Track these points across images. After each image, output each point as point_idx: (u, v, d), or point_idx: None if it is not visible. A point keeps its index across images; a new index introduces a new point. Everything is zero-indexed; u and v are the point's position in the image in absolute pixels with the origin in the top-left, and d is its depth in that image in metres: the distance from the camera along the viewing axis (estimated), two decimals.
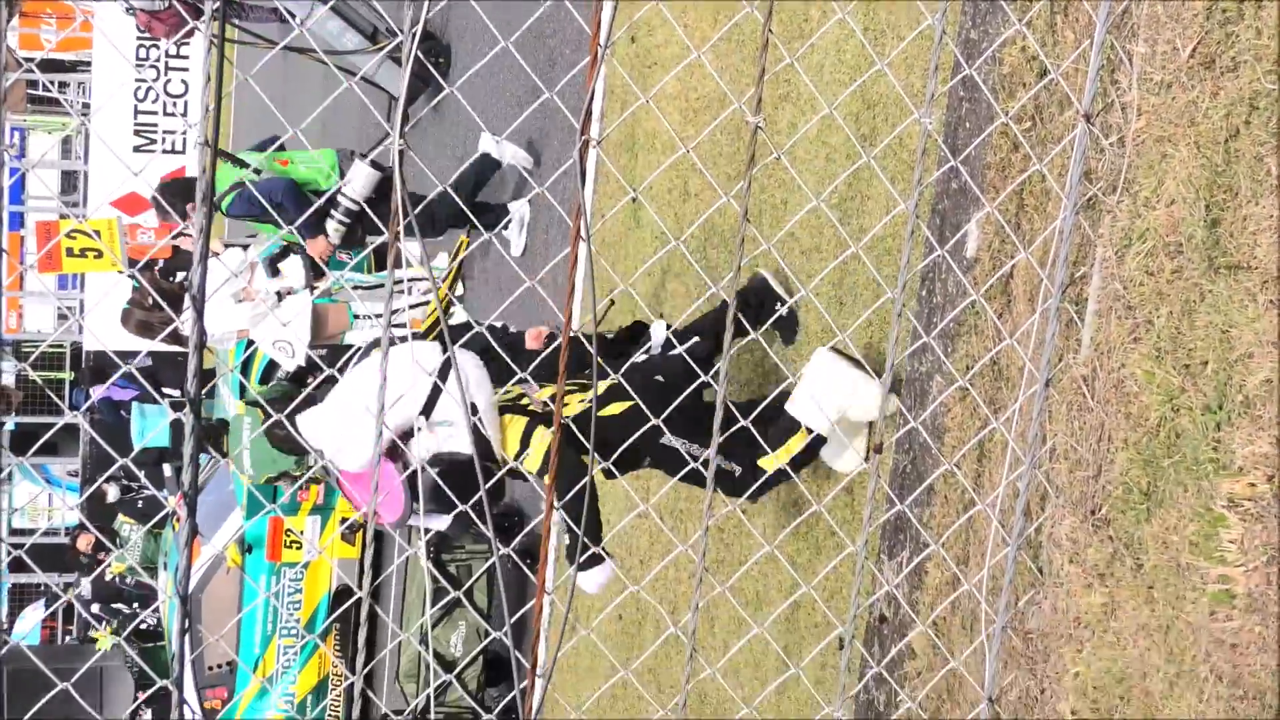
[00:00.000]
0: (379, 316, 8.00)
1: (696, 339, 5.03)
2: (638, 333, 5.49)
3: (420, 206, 8.08)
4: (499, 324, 6.77)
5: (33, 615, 18.78)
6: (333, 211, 8.03)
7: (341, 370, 4.44)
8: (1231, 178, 3.15)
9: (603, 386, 4.68)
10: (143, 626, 14.12)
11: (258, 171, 7.94)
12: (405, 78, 2.64)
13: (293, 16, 10.31)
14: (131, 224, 13.75)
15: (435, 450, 4.35)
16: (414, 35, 2.60)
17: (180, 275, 9.83)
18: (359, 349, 4.84)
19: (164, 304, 8.41)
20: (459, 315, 9.38)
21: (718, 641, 5.84)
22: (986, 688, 3.54)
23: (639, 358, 4.96)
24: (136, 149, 15.81)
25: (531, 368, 3.37)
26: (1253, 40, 3.11)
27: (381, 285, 9.02)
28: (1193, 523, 3.21)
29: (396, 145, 2.61)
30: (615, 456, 4.22)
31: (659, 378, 4.81)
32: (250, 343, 9.43)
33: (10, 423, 18.47)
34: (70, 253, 14.09)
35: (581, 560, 4.37)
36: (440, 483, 4.17)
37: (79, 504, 19.83)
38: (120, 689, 12.57)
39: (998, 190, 3.99)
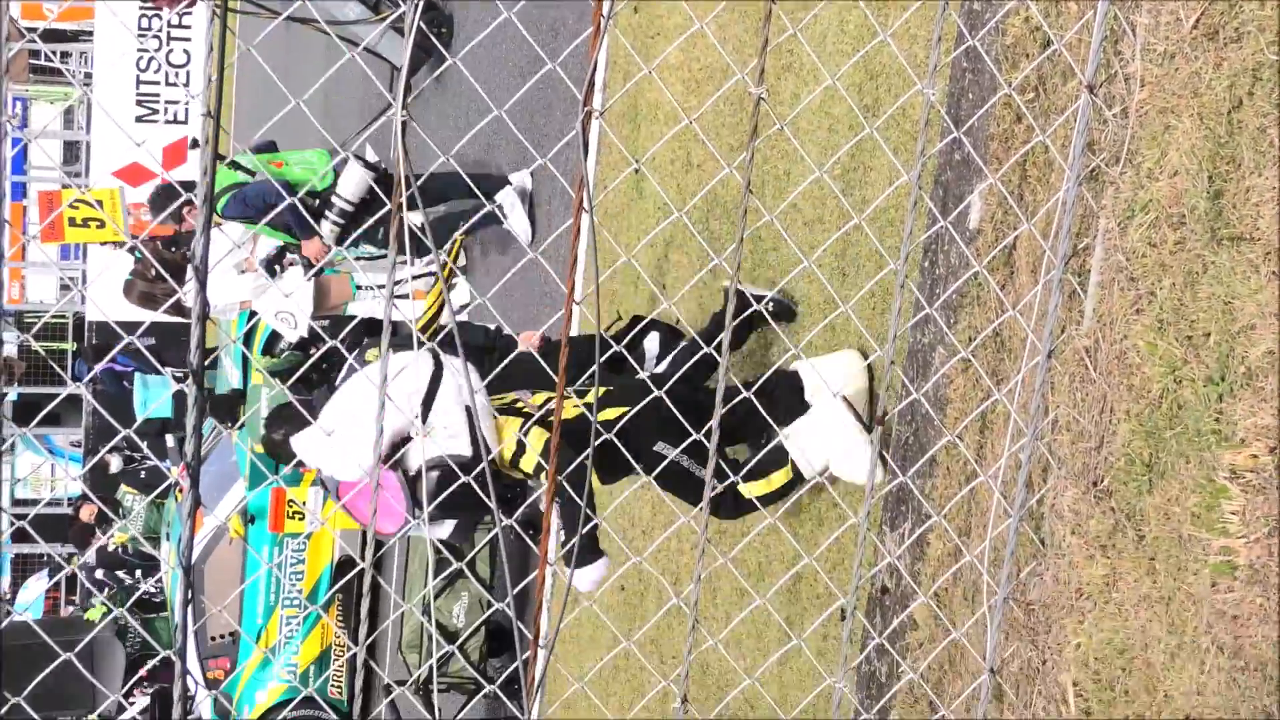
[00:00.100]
0: (382, 287, 8.00)
1: (687, 344, 5.05)
2: (637, 339, 5.50)
3: (422, 179, 8.05)
4: (491, 326, 6.77)
5: (36, 585, 18.82)
6: (327, 212, 8.02)
7: (338, 369, 4.40)
8: (1234, 149, 3.14)
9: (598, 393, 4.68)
10: (144, 597, 14.14)
11: (251, 174, 7.92)
12: (408, 48, 2.63)
13: None
14: (134, 202, 13.75)
15: (434, 455, 4.29)
16: (416, 5, 2.59)
17: (183, 246, 9.82)
18: (348, 365, 4.80)
19: (167, 275, 8.39)
20: (462, 287, 9.38)
21: (720, 613, 5.86)
22: (988, 659, 3.55)
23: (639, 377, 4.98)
24: (139, 119, 15.81)
25: (525, 379, 3.35)
26: (1256, 11, 3.10)
27: (384, 256, 9.01)
28: (1194, 494, 3.21)
29: (399, 116, 2.61)
30: (608, 462, 4.24)
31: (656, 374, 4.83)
32: (252, 314, 9.44)
33: (13, 393, 18.49)
34: (73, 223, 14.11)
35: (576, 559, 4.36)
36: (440, 487, 4.17)
37: (82, 474, 19.89)
38: (111, 663, 12.56)
39: (1001, 161, 3.98)
